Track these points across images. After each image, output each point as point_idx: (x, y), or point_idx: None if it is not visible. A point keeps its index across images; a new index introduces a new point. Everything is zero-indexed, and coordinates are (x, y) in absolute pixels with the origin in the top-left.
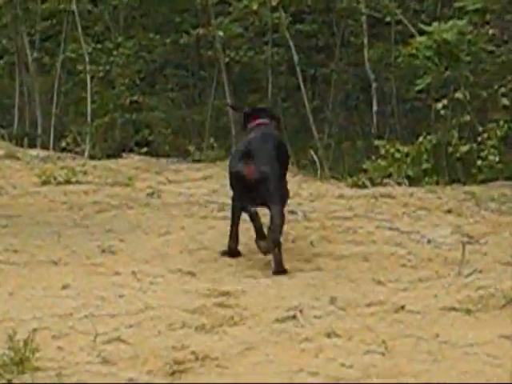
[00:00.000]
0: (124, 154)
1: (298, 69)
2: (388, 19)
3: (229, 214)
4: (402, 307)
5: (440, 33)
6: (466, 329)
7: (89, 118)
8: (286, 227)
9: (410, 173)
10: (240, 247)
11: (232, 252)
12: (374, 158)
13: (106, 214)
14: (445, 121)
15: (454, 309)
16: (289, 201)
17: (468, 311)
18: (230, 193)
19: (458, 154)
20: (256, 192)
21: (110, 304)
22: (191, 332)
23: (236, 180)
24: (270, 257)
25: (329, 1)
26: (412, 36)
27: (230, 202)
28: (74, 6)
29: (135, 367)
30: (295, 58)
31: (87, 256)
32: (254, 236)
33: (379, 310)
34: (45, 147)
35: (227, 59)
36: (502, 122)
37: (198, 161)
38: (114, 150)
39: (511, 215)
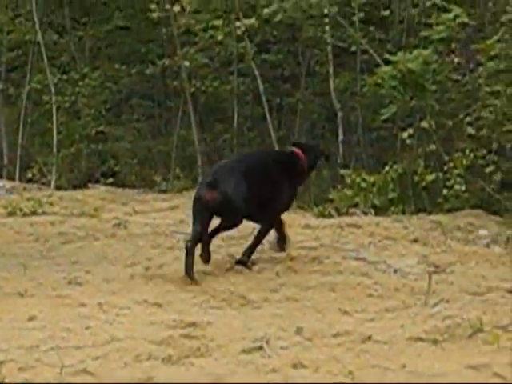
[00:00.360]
0: (90, 185)
1: (263, 98)
2: (353, 49)
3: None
4: (369, 337)
5: (405, 62)
6: (432, 359)
7: (55, 149)
8: (252, 258)
9: (376, 202)
10: (206, 278)
11: None
12: (340, 187)
13: (72, 245)
14: (411, 150)
15: (420, 339)
16: (254, 231)
17: (435, 341)
18: None
19: (424, 183)
20: None
21: (77, 336)
22: (158, 364)
23: None
24: (235, 287)
25: (294, 30)
26: (378, 65)
27: None
28: (39, 37)
29: None
30: (261, 87)
31: (53, 287)
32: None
33: (346, 340)
34: (11, 178)
35: (193, 89)
36: (467, 151)
37: (164, 191)
38: (80, 181)
39: (477, 244)
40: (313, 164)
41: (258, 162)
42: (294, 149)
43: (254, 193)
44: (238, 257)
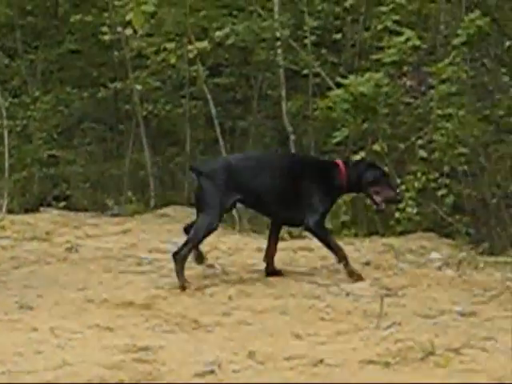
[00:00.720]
0: (42, 209)
1: (216, 122)
2: (306, 72)
3: (147, 268)
4: (321, 361)
5: (357, 85)
6: (384, 382)
7: (6, 173)
8: (204, 282)
9: (329, 225)
10: (159, 302)
11: None
12: None
13: (24, 269)
14: None
15: (372, 362)
16: (207, 254)
17: (387, 364)
18: (148, 247)
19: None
20: None
21: (28, 360)
22: None
23: None
24: (187, 311)
25: (246, 54)
26: (330, 88)
27: (147, 256)
28: None
29: None
30: (213, 110)
31: (5, 312)
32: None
33: (298, 363)
34: None
35: (145, 112)
36: (419, 174)
37: (117, 215)
38: (32, 205)
39: (429, 267)
40: (356, 180)
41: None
42: (338, 160)
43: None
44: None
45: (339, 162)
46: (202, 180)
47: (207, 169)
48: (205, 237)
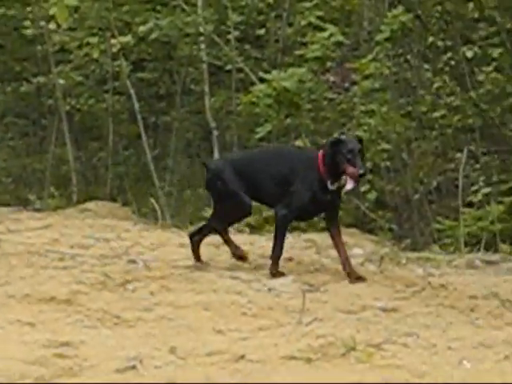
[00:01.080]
0: None
1: (139, 117)
2: (229, 67)
3: (69, 263)
4: (242, 356)
5: (280, 81)
6: (306, 378)
7: None
8: (126, 277)
9: (252, 221)
10: (80, 297)
11: None
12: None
13: None
14: None
15: (294, 357)
16: (129, 250)
17: (308, 360)
18: (70, 242)
19: None
20: None
21: None
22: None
23: None
24: (109, 306)
25: (169, 49)
26: (253, 84)
27: (69, 251)
28: None
29: None
30: (136, 105)
31: None
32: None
33: (219, 359)
34: None
35: (68, 107)
36: None
37: (39, 210)
38: None
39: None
40: (331, 160)
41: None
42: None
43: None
44: None
45: (321, 153)
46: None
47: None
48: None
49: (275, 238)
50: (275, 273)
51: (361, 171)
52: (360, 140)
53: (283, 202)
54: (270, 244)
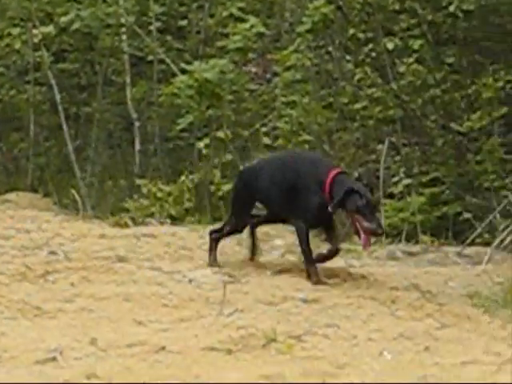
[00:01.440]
0: None
1: (60, 108)
2: (151, 58)
3: None
4: (163, 348)
5: (201, 72)
6: (226, 369)
7: None
8: (47, 268)
9: (173, 212)
10: (1, 288)
11: None
12: (136, 197)
13: None
14: (207, 160)
15: (214, 349)
16: (50, 241)
17: (228, 351)
18: None
19: (220, 193)
20: None
21: None
22: None
23: None
24: (29, 298)
25: (91, 39)
26: (175, 75)
27: None
28: None
29: None
30: (57, 96)
31: None
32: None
33: (140, 350)
34: None
35: None
36: None
37: None
38: None
39: (273, 254)
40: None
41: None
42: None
43: None
44: None
45: (331, 172)
46: None
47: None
48: None
49: (302, 251)
50: (317, 281)
51: (379, 231)
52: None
53: (296, 215)
54: (192, 235)
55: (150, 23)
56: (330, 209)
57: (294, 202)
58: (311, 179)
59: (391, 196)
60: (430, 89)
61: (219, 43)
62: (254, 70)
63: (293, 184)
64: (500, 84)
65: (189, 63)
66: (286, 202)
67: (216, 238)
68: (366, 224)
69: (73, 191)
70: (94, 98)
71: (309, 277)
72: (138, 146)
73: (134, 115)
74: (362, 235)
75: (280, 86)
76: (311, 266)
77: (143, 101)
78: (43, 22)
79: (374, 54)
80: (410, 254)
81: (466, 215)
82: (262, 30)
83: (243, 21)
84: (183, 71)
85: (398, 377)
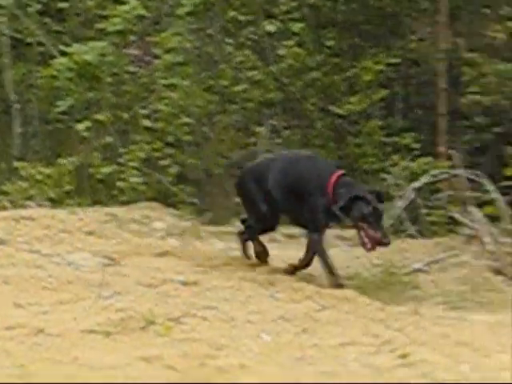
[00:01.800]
0: None
1: None
2: (30, 40)
3: None
4: (42, 330)
5: (81, 54)
6: (105, 351)
7: None
8: None
9: (52, 195)
10: None
11: None
12: (15, 179)
13: None
14: (87, 142)
15: (93, 331)
16: None
17: (107, 333)
18: None
19: (100, 176)
20: None
21: None
22: None
23: None
24: None
25: None
26: (54, 57)
27: None
28: None
29: None
30: None
31: None
32: None
33: (19, 333)
34: None
35: None
36: (143, 144)
37: None
38: None
39: (152, 236)
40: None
41: None
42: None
43: None
44: None
45: (334, 175)
46: None
47: None
48: None
49: (321, 261)
50: (337, 285)
51: (385, 241)
52: (379, 194)
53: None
54: (71, 217)
55: (30, 5)
56: (333, 209)
57: (300, 205)
58: (314, 182)
59: None
60: (310, 72)
61: (99, 25)
62: (134, 52)
63: (297, 187)
64: (380, 67)
65: (68, 45)
66: (292, 204)
67: (246, 238)
68: (371, 233)
69: None
70: None
71: (331, 286)
72: (17, 129)
73: (14, 97)
74: (367, 243)
75: (160, 68)
76: (331, 274)
77: (22, 83)
78: None
79: (254, 37)
80: (290, 236)
81: None
82: (143, 12)
83: (123, 3)
84: (63, 53)
85: (276, 358)
